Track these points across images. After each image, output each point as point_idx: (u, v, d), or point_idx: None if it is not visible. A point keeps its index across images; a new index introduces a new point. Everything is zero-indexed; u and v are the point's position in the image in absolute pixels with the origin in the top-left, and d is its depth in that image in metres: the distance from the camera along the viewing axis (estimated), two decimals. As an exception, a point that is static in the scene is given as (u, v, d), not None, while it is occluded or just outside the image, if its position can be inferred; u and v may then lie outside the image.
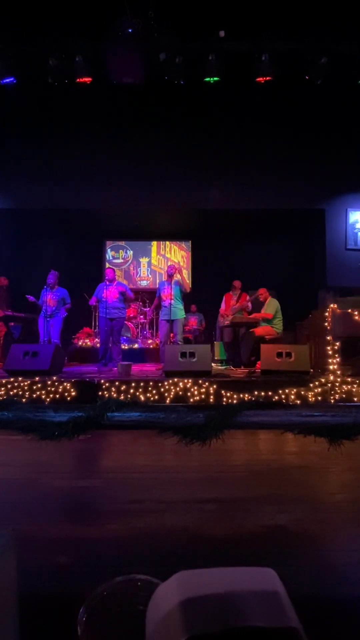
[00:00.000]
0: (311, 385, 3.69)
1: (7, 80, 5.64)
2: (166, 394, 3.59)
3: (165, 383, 3.64)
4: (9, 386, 3.61)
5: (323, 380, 3.77)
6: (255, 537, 1.69)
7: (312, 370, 4.32)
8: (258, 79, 5.65)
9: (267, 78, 5.63)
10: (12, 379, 3.67)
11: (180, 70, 5.57)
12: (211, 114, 6.49)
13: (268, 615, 0.39)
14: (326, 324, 4.44)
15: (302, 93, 6.12)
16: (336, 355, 4.24)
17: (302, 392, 3.60)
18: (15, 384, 3.63)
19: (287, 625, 0.39)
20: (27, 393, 3.57)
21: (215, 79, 5.66)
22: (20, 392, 3.57)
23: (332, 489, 2.30)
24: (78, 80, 5.69)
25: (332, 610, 1.21)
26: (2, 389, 3.59)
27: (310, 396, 3.60)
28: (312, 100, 6.23)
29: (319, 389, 3.66)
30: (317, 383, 3.72)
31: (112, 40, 5.27)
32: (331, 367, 4.20)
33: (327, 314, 4.47)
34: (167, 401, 3.52)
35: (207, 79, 5.67)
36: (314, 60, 5.53)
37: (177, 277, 5.22)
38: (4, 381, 3.64)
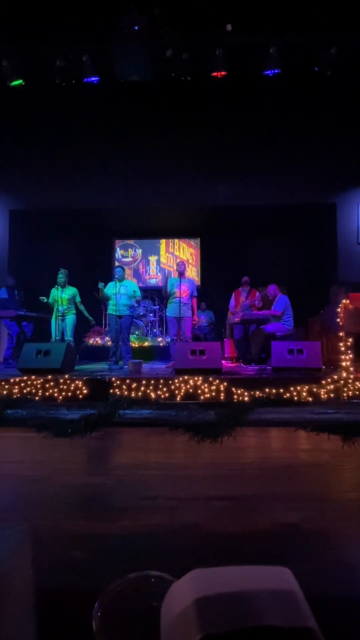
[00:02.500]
0: (323, 382, 3.64)
1: (16, 82, 5.70)
2: (177, 392, 3.60)
3: (176, 380, 3.64)
4: (23, 384, 3.68)
5: (335, 377, 3.72)
6: (267, 534, 1.68)
7: (324, 367, 4.26)
8: (266, 72, 5.57)
9: (276, 71, 5.54)
10: (25, 378, 3.74)
11: (187, 66, 5.54)
12: (218, 109, 6.43)
13: (284, 615, 0.39)
14: (338, 319, 4.37)
15: (311, 85, 6.01)
16: (349, 352, 4.16)
17: (314, 389, 3.55)
18: (29, 382, 3.69)
19: (304, 625, 0.38)
20: (40, 391, 3.63)
21: (223, 73, 5.59)
22: (33, 390, 3.63)
23: (346, 487, 2.27)
24: (85, 79, 5.71)
25: (347, 610, 1.20)
26: (16, 387, 3.66)
27: (322, 393, 3.56)
28: (321, 92, 6.11)
29: (332, 386, 3.61)
30: (329, 380, 3.66)
31: (118, 38, 5.26)
32: (344, 363, 4.13)
33: (339, 309, 4.40)
34: (178, 399, 3.53)
35: (214, 74, 5.61)
36: (323, 51, 5.41)
37: (187, 274, 5.22)
38: (17, 379, 3.71)
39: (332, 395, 3.56)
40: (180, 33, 5.33)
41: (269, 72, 5.53)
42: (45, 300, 5.32)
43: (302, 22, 5.20)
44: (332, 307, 4.90)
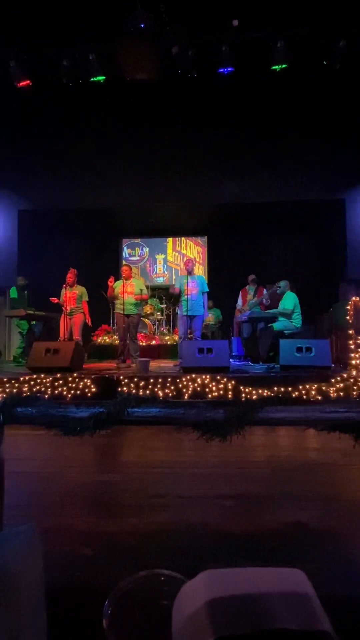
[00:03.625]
0: (332, 380, 3.59)
1: (24, 83, 5.73)
2: (184, 390, 3.59)
3: (183, 379, 3.64)
4: (32, 383, 3.71)
5: (345, 375, 3.66)
6: (276, 533, 1.67)
7: (333, 365, 4.21)
8: (273, 67, 5.49)
9: (283, 66, 5.46)
10: (34, 376, 3.77)
11: (193, 63, 5.50)
12: (224, 106, 6.38)
13: (298, 618, 0.38)
14: (348, 317, 4.31)
15: (319, 79, 5.91)
16: (358, 350, 4.10)
17: (324, 388, 3.50)
18: (38, 381, 3.72)
19: (319, 628, 0.38)
20: (49, 389, 3.65)
21: (229, 69, 5.54)
22: (42, 389, 3.66)
23: (357, 487, 2.24)
24: (92, 79, 5.71)
25: (357, 610, 1.18)
26: (26, 385, 3.70)
27: (331, 392, 3.51)
28: (329, 86, 6.01)
29: (341, 385, 3.56)
30: (338, 378, 3.61)
31: (124, 36, 5.25)
32: (353, 362, 4.08)
33: (348, 307, 4.33)
34: (185, 397, 3.52)
35: (221, 70, 5.56)
36: (331, 44, 5.32)
37: (196, 272, 5.20)
38: (27, 378, 3.75)
39: (341, 393, 3.51)
40: (186, 30, 5.29)
41: (276, 67, 5.45)
42: (56, 301, 5.37)
43: (309, 15, 5.11)
44: (341, 305, 4.84)
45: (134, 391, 3.38)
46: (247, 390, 3.50)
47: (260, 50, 5.45)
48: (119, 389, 3.46)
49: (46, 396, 3.56)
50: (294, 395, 3.30)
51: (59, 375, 3.76)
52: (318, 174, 6.56)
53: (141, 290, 5.17)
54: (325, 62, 5.47)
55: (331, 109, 6.27)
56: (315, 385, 3.51)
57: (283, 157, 6.58)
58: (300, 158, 6.56)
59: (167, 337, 6.99)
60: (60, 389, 3.65)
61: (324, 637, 0.37)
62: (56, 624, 0.96)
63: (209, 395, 3.52)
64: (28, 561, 0.85)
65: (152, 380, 3.63)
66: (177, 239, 8.56)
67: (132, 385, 3.55)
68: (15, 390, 3.63)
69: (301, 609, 0.39)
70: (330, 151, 6.49)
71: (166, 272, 8.52)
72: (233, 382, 3.61)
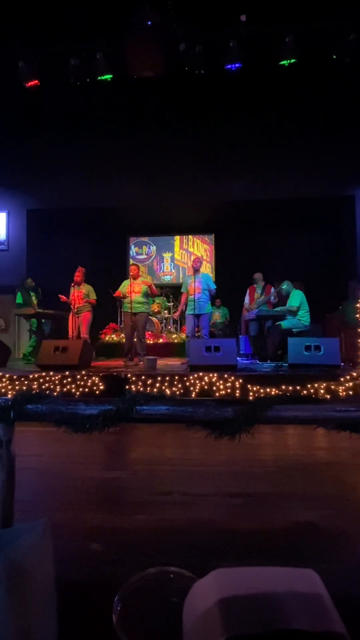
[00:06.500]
0: (342, 379, 3.55)
1: (32, 83, 5.77)
2: (192, 388, 3.59)
3: (191, 377, 3.64)
4: (41, 380, 3.76)
5: (355, 374, 3.62)
6: (285, 533, 1.66)
7: (342, 364, 4.16)
8: (282, 62, 5.43)
9: (292, 61, 5.39)
10: (43, 373, 3.82)
11: (201, 60, 5.46)
12: (232, 102, 6.33)
13: (311, 619, 0.38)
14: (357, 315, 4.25)
15: (328, 74, 5.82)
16: (369, 348, 4.05)
17: (333, 387, 3.47)
18: (47, 378, 3.77)
19: (332, 629, 0.37)
20: (58, 387, 3.70)
21: (237, 65, 5.49)
22: (51, 386, 3.70)
23: (367, 487, 2.21)
24: (99, 78, 5.72)
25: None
26: (35, 383, 3.74)
27: (341, 391, 3.47)
28: (338, 82, 5.92)
29: (350, 383, 3.52)
30: (348, 377, 3.57)
31: (131, 34, 5.24)
32: (363, 360, 4.02)
33: (358, 304, 4.28)
34: (193, 395, 3.52)
35: (228, 67, 5.51)
36: (341, 38, 5.23)
37: (202, 270, 5.19)
38: (36, 375, 3.79)
39: (351, 392, 3.47)
40: (193, 26, 5.25)
41: (285, 62, 5.39)
42: (65, 300, 5.41)
43: (318, 9, 5.03)
44: (351, 303, 4.78)
45: (141, 389, 3.40)
46: (255, 388, 3.49)
47: (268, 45, 5.39)
48: (127, 387, 3.48)
49: (55, 394, 3.60)
50: (303, 393, 3.27)
51: (67, 372, 3.80)
52: (327, 170, 6.47)
53: (149, 288, 5.18)
54: (334, 56, 5.38)
55: (340, 104, 6.18)
56: (325, 384, 3.48)
57: (291, 154, 6.51)
58: (308, 154, 6.48)
59: (174, 335, 6.99)
60: (68, 387, 3.69)
61: (337, 638, 0.37)
62: (66, 619, 0.97)
63: (217, 394, 3.51)
64: (39, 556, 0.86)
65: (159, 378, 3.65)
66: (184, 237, 8.55)
67: (140, 383, 3.57)
68: (25, 388, 3.67)
69: (314, 610, 0.38)
70: (339, 147, 6.40)
71: (173, 271, 8.51)
72: (241, 380, 3.60)
